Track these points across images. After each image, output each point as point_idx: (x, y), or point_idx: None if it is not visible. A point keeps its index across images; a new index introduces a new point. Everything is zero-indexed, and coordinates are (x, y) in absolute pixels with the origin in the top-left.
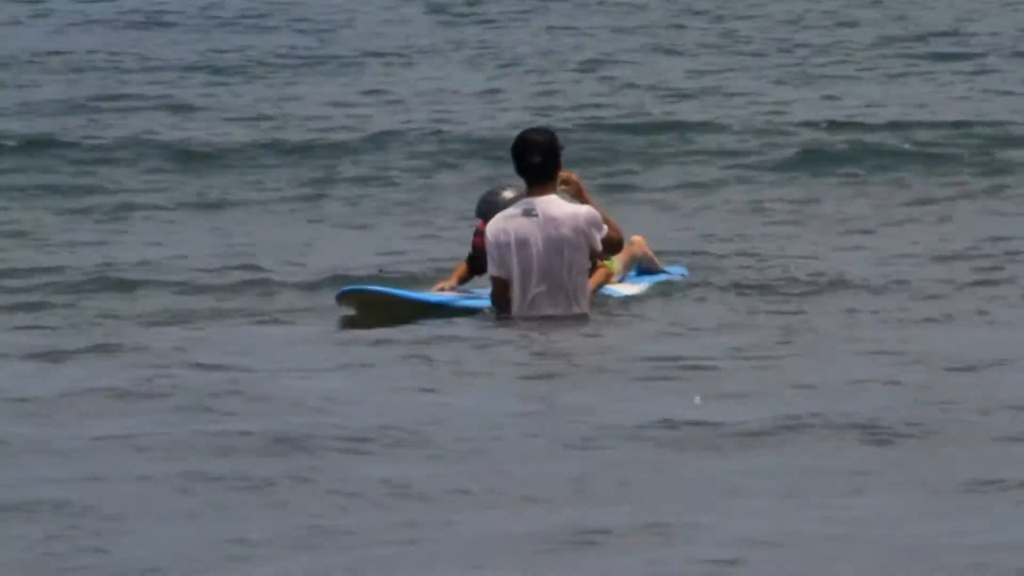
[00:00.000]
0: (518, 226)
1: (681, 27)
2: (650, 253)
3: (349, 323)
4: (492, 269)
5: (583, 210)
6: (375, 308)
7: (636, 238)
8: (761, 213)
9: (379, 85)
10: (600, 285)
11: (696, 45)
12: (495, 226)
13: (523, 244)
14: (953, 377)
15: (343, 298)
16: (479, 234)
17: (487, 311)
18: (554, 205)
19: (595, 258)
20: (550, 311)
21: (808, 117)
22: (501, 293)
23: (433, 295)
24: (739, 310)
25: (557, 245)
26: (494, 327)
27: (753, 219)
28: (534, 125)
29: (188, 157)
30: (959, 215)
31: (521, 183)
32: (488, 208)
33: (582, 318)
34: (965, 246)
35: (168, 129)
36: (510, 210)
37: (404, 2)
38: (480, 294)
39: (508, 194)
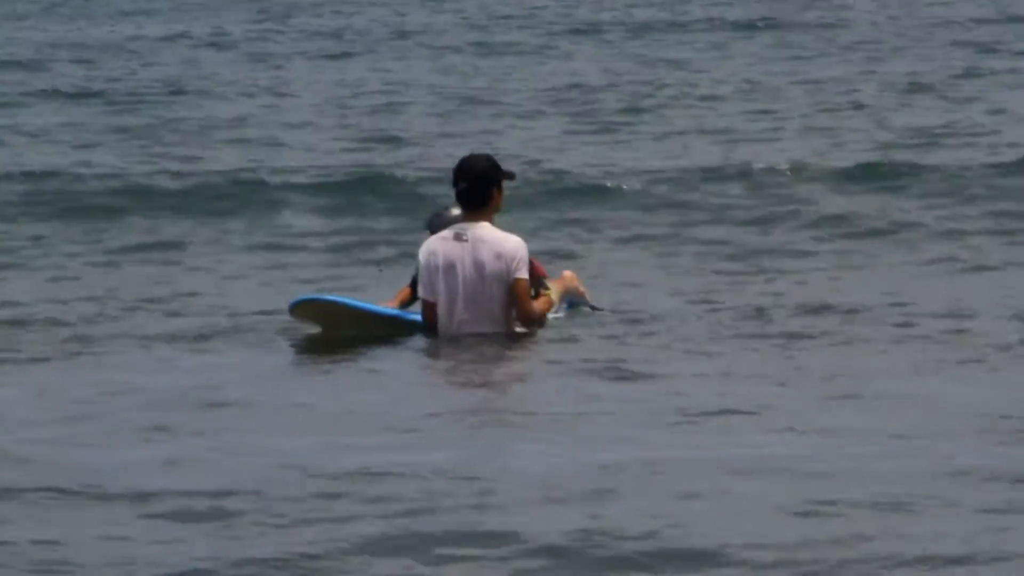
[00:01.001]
0: (448, 249)
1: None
2: (581, 288)
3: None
4: (420, 291)
5: (512, 240)
6: (328, 318)
7: (567, 272)
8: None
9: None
10: (546, 312)
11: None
12: (427, 248)
13: (450, 268)
14: None
15: (296, 309)
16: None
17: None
18: (486, 231)
19: (535, 286)
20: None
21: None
22: (429, 315)
23: (385, 307)
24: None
25: (482, 271)
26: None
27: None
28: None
29: None
30: None
31: None
32: (437, 223)
33: (510, 336)
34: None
35: None
36: (444, 232)
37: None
38: None
39: (456, 211)
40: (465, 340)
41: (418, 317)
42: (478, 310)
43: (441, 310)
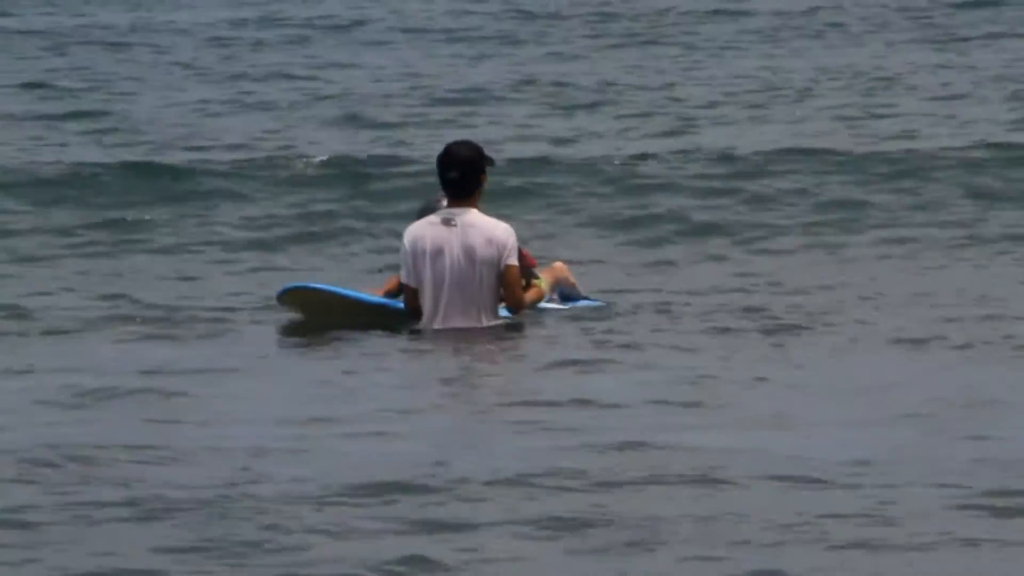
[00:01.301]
0: (436, 234)
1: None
2: (572, 279)
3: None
4: (403, 276)
5: (501, 226)
6: (315, 306)
7: (557, 263)
8: None
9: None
10: (535, 301)
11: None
12: (413, 233)
13: (438, 253)
14: None
15: (284, 297)
16: None
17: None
18: (474, 216)
19: (526, 276)
20: (460, 323)
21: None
22: (412, 301)
23: (371, 295)
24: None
25: (472, 256)
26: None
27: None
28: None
29: None
30: None
31: None
32: (428, 214)
33: (493, 330)
34: None
35: None
36: (431, 217)
37: None
38: None
39: (446, 202)
40: (448, 334)
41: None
42: (464, 296)
43: (426, 296)
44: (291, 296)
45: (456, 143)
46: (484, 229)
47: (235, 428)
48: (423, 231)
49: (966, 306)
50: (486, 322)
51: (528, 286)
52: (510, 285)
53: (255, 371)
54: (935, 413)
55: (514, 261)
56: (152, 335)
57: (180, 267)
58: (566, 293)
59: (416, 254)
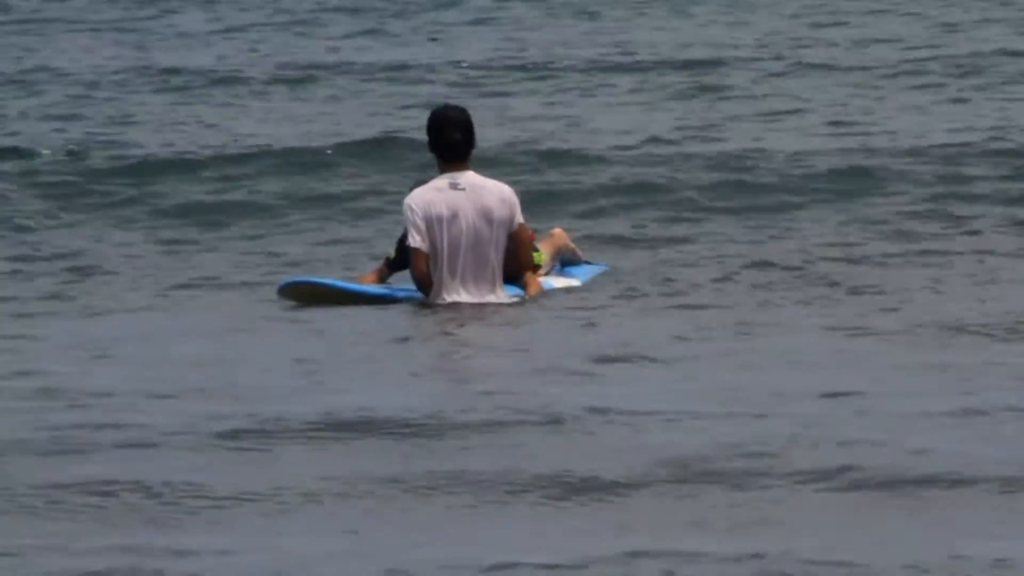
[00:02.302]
0: (448, 199)
1: None
2: (571, 244)
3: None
4: (416, 242)
5: (505, 186)
6: (316, 299)
7: (556, 230)
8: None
9: None
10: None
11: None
12: (423, 198)
13: (454, 217)
14: None
15: (284, 291)
16: None
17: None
18: (476, 178)
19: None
20: (473, 288)
21: None
22: (422, 266)
23: (375, 287)
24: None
25: (487, 216)
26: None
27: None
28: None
29: None
30: None
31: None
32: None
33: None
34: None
35: None
36: (436, 183)
37: None
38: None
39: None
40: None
41: (409, 293)
42: (479, 259)
43: (442, 262)
44: (292, 290)
45: (447, 106)
46: (493, 190)
47: None
48: (432, 196)
49: None
50: (499, 288)
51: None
52: (523, 244)
53: None
54: None
55: (522, 219)
56: None
57: None
58: (567, 259)
59: (430, 219)
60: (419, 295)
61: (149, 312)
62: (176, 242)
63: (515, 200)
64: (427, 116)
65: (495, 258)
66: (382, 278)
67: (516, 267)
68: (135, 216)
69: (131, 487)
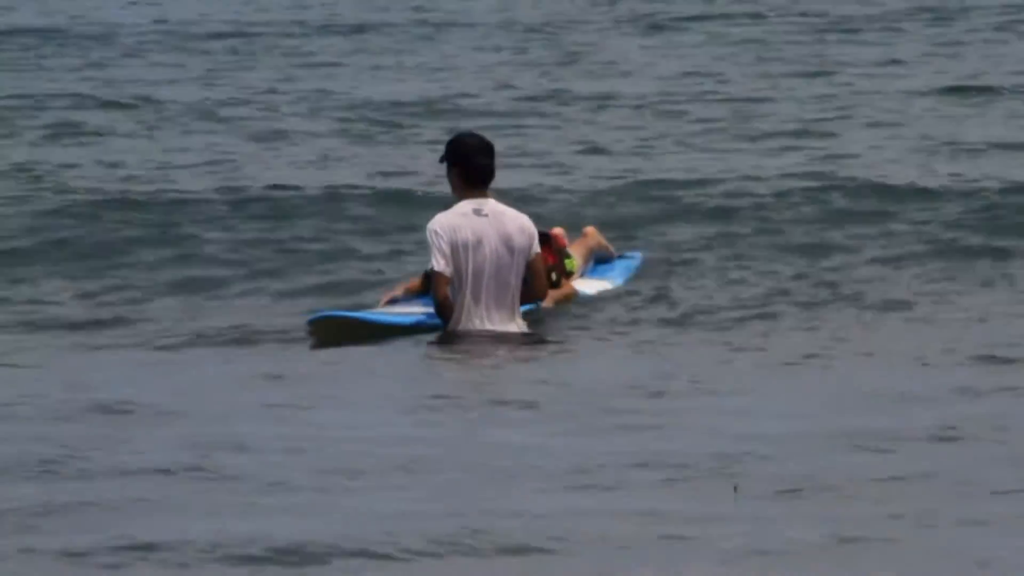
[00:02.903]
0: (474, 225)
1: None
2: (604, 242)
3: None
4: (440, 266)
5: (523, 215)
6: (346, 333)
7: (588, 229)
8: None
9: None
10: (569, 299)
11: None
12: (450, 223)
13: (479, 243)
14: None
15: (314, 325)
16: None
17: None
18: (497, 205)
19: (559, 275)
20: (495, 315)
21: None
22: (443, 290)
23: (405, 318)
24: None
25: (509, 244)
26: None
27: None
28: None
29: None
30: None
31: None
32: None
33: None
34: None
35: None
36: (460, 208)
37: None
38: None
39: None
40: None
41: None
42: (501, 286)
43: (465, 288)
44: (322, 324)
45: (471, 133)
46: (513, 217)
47: None
48: (458, 222)
49: None
50: (518, 317)
51: (559, 283)
52: (539, 274)
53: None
54: None
55: (539, 249)
56: None
57: None
58: (601, 256)
59: (456, 245)
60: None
61: None
62: None
63: (534, 230)
64: (449, 142)
65: (515, 285)
66: (424, 287)
67: (532, 296)
68: None
69: None
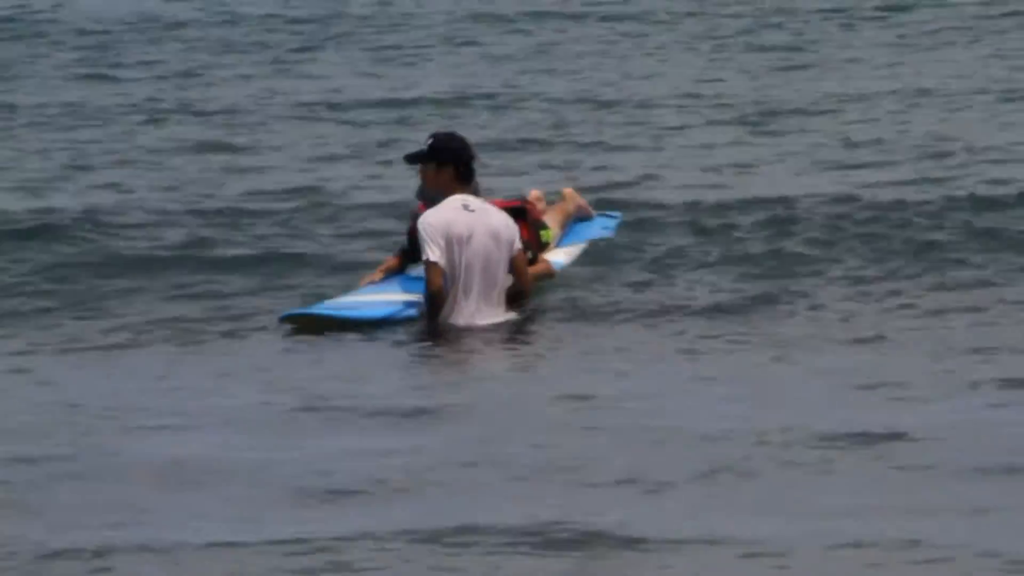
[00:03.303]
0: (466, 219)
1: None
2: (582, 202)
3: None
4: (434, 255)
5: (503, 212)
6: (319, 327)
7: (567, 190)
8: None
9: None
10: (545, 277)
11: None
12: (443, 217)
13: (470, 237)
14: None
15: (286, 321)
16: (417, 217)
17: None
18: (481, 201)
19: (534, 251)
20: (485, 307)
21: None
22: (439, 281)
23: (376, 310)
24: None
25: (498, 238)
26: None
27: None
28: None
29: None
30: None
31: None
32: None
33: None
34: None
35: None
36: (450, 202)
37: None
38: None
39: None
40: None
41: (412, 311)
42: (489, 280)
43: (457, 279)
44: (294, 321)
45: (451, 133)
46: (497, 212)
47: None
48: (451, 216)
49: None
50: (503, 308)
51: (535, 259)
52: (522, 269)
53: None
54: None
55: (520, 246)
56: None
57: None
58: (580, 216)
59: (450, 238)
60: (416, 315)
61: None
62: None
63: (515, 226)
64: (436, 144)
65: (502, 278)
66: (402, 266)
67: (520, 287)
68: None
69: None
